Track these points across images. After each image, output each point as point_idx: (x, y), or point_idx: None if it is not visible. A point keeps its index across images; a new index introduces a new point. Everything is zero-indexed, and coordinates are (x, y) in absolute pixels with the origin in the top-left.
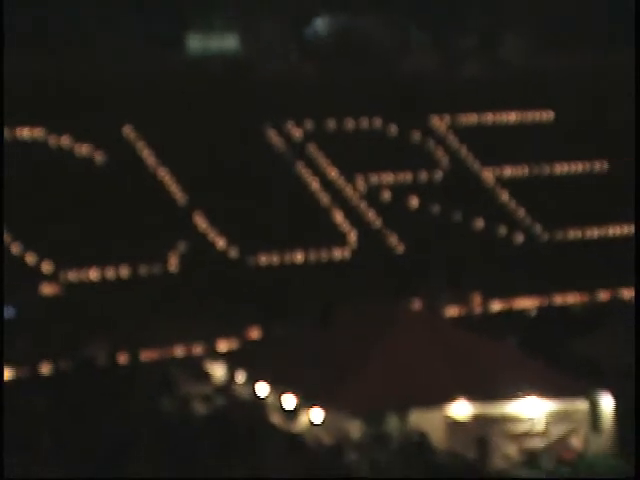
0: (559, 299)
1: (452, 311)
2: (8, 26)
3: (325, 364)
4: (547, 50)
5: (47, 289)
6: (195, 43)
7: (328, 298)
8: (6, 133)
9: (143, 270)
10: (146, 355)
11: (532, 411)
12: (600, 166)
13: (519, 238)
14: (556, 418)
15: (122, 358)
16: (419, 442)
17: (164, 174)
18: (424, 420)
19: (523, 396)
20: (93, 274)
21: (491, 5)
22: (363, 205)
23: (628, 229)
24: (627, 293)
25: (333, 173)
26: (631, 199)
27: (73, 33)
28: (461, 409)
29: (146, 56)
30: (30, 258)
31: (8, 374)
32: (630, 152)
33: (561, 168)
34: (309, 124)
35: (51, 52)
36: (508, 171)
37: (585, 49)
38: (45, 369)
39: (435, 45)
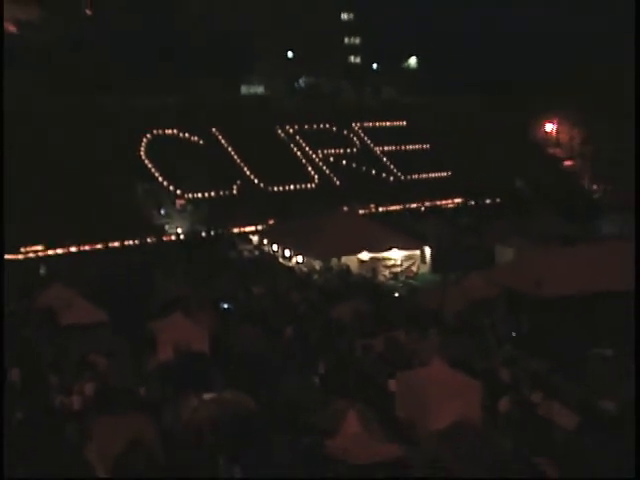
0: (408, 206)
1: (361, 211)
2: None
3: (304, 235)
4: (401, 94)
5: (179, 201)
6: (244, 89)
7: (306, 206)
8: (167, 132)
9: (220, 193)
10: (224, 231)
11: (396, 255)
12: (426, 147)
13: (391, 178)
14: (406, 258)
15: (212, 232)
16: (346, 270)
17: (231, 150)
18: (348, 260)
19: (392, 248)
20: (198, 194)
21: (379, 75)
22: (321, 163)
23: (446, 174)
24: (443, 203)
25: (307, 148)
26: (445, 165)
27: (193, 84)
28: (364, 255)
29: (222, 95)
30: (171, 187)
31: (166, 239)
32: (445, 140)
33: (409, 147)
34: (296, 126)
35: (185, 93)
36: (387, 148)
37: (415, 94)
38: (179, 237)
39: (353, 90)
